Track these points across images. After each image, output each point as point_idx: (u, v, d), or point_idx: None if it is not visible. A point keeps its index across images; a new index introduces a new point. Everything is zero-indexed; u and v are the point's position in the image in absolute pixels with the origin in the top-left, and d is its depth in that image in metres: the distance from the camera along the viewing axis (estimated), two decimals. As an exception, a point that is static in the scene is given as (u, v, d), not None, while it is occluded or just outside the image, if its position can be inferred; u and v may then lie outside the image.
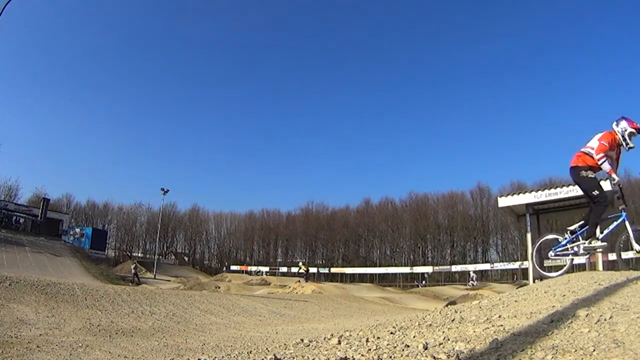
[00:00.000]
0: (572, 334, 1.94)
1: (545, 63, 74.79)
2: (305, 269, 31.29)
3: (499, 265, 47.13)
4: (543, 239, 5.53)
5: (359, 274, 51.79)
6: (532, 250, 5.52)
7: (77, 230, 46.48)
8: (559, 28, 73.70)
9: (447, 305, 10.38)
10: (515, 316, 2.68)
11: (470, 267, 47.40)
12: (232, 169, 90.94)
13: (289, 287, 27.25)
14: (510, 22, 79.51)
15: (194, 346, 3.62)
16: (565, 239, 5.13)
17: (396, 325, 3.20)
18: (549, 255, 5.33)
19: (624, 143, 4.86)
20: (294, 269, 50.62)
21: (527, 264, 14.30)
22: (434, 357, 1.80)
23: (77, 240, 43.26)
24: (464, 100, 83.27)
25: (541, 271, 5.52)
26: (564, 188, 13.06)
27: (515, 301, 3.61)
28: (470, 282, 39.43)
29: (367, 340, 2.42)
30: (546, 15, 76.49)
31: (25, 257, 25.56)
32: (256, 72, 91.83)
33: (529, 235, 14.03)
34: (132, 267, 32.67)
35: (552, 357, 1.63)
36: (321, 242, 61.48)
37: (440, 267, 49.95)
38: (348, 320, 6.74)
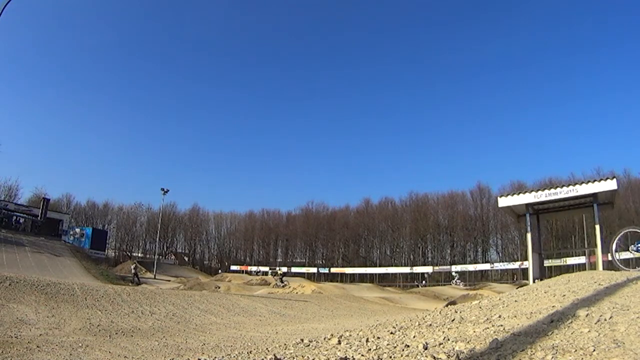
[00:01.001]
0: (572, 334, 1.94)
1: (546, 63, 74.83)
2: (281, 273, 34.00)
3: (499, 265, 47.13)
4: (625, 231, 5.41)
5: (359, 274, 51.78)
6: (613, 240, 5.42)
7: (77, 230, 46.43)
8: (559, 28, 73.72)
9: (447, 305, 10.37)
10: (515, 316, 2.68)
11: (471, 267, 47.42)
12: (232, 169, 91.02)
13: (289, 287, 27.33)
14: (510, 22, 79.52)
15: (194, 346, 3.62)
16: None
17: (396, 325, 3.20)
18: (630, 250, 5.20)
19: None
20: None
21: (527, 264, 14.28)
22: (434, 357, 1.80)
23: (77, 240, 43.21)
24: (464, 100, 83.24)
25: (619, 264, 5.42)
26: (564, 188, 13.05)
27: (515, 301, 3.61)
28: (454, 282, 39.46)
29: (367, 340, 2.42)
30: (546, 16, 76.52)
31: (25, 257, 25.55)
32: (256, 72, 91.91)
33: (529, 235, 14.00)
34: (132, 267, 32.69)
35: (552, 357, 1.63)
36: (321, 242, 61.44)
37: (440, 267, 49.94)
38: (348, 320, 6.73)
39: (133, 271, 30.57)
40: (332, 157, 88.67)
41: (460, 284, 38.96)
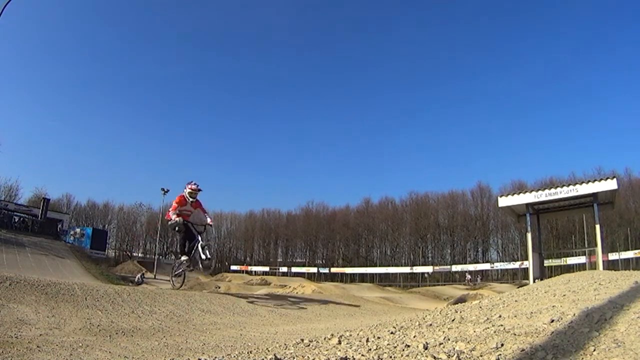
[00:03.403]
0: (572, 333, 1.94)
1: (546, 64, 74.83)
2: None
3: (499, 265, 47.16)
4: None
5: (359, 274, 51.80)
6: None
7: (78, 230, 46.47)
8: (560, 29, 73.68)
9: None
10: (516, 316, 2.68)
11: (471, 267, 47.44)
12: (233, 169, 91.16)
13: (289, 287, 27.38)
14: (511, 22, 79.48)
15: (194, 346, 3.62)
16: None
17: (396, 325, 3.20)
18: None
19: None
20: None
21: (527, 264, 14.27)
22: (434, 357, 1.80)
23: (78, 240, 43.24)
24: (464, 100, 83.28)
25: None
26: (564, 188, 13.05)
27: (516, 301, 3.61)
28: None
29: (367, 340, 2.41)
30: (546, 17, 76.51)
31: (26, 257, 25.53)
32: (257, 72, 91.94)
33: (529, 235, 14.00)
34: (140, 273, 32.57)
35: (553, 357, 1.63)
36: (321, 242, 61.44)
37: (441, 267, 49.95)
38: (348, 320, 6.72)
39: (139, 276, 30.63)
40: (333, 157, 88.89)
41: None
